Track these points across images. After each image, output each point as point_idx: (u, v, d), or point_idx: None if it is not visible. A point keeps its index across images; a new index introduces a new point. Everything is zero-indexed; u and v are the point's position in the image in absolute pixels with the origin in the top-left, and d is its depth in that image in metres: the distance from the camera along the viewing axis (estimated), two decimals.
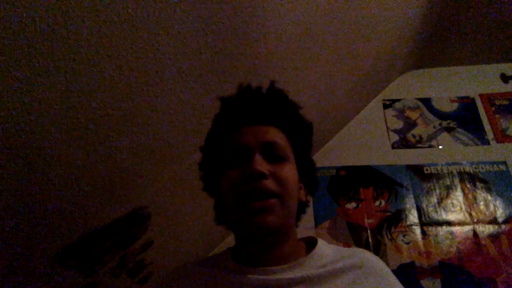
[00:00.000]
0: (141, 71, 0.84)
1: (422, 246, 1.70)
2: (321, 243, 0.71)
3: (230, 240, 1.67)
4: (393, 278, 0.69)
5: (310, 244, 0.72)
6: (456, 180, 1.86)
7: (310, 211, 1.78)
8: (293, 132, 0.74)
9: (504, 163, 1.88)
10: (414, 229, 1.75)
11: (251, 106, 0.72)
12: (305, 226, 1.73)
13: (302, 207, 0.73)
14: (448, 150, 1.96)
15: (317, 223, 1.79)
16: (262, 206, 0.61)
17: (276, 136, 0.70)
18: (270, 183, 0.63)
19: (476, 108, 2.08)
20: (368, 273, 0.66)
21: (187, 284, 0.68)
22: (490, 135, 1.98)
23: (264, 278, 0.62)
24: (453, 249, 1.69)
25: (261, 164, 0.63)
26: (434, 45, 2.12)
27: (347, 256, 0.68)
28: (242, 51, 1.06)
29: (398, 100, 2.16)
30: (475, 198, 1.81)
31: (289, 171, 0.67)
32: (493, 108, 2.07)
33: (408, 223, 1.76)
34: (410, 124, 2.07)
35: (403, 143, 2.00)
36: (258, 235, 0.63)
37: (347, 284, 0.62)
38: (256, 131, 0.69)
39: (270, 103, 0.73)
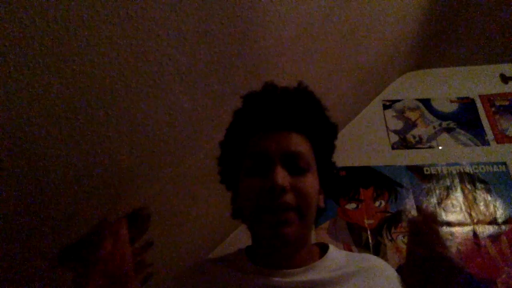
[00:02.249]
0: (141, 72, 0.84)
1: None
2: (332, 248, 0.72)
3: (230, 240, 1.67)
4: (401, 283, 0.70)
5: (323, 248, 0.73)
6: (456, 181, 1.86)
7: None
8: (318, 138, 0.71)
9: (504, 163, 1.88)
10: None
11: (275, 111, 0.68)
12: None
13: (319, 213, 0.71)
14: (448, 151, 1.95)
15: (317, 223, 1.78)
16: (280, 219, 0.61)
17: (299, 145, 0.67)
18: (289, 197, 0.62)
19: (476, 108, 2.08)
20: (377, 276, 0.67)
21: (206, 281, 0.68)
22: (490, 136, 1.98)
23: (282, 280, 0.63)
24: (453, 250, 1.68)
25: (282, 177, 0.61)
26: (434, 46, 2.12)
27: (357, 261, 0.70)
28: (242, 51, 1.06)
29: (398, 100, 2.16)
30: (475, 198, 1.81)
31: (310, 183, 0.65)
32: (493, 109, 2.07)
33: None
34: (410, 125, 2.07)
35: (403, 143, 2.00)
36: (277, 246, 0.63)
37: (357, 287, 0.63)
38: (278, 139, 0.66)
39: (295, 108, 0.69)
